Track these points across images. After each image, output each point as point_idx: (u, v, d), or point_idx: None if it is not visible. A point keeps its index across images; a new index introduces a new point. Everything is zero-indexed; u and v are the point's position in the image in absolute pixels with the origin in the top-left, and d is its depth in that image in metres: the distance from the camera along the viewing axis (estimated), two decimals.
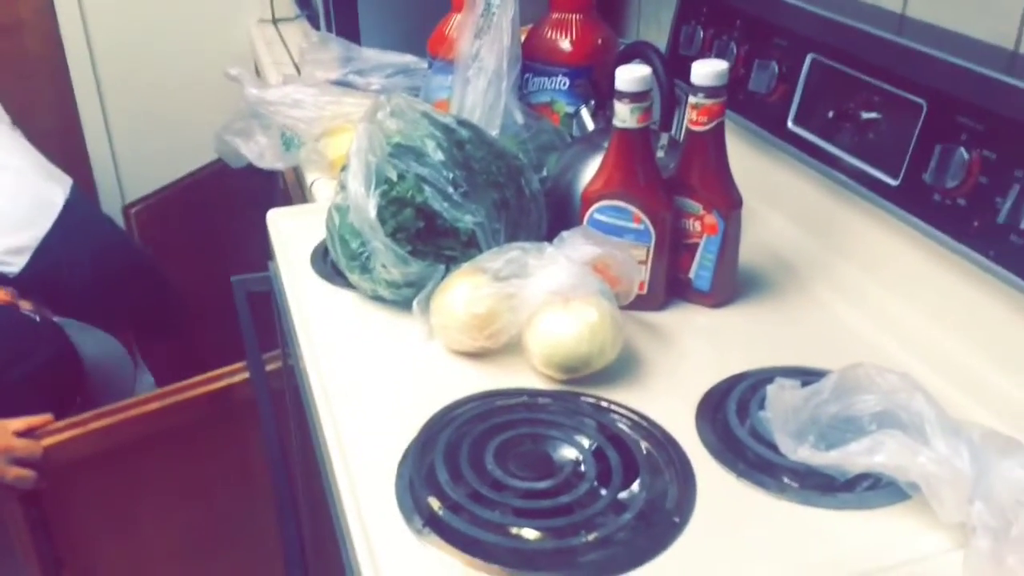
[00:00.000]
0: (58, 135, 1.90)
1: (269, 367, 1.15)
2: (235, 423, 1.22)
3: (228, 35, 2.00)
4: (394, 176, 0.84)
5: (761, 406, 0.70)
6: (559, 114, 1.16)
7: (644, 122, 0.82)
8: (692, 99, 0.81)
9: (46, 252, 1.36)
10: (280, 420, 1.10)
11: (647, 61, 0.90)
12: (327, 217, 0.91)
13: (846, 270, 0.91)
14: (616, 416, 0.73)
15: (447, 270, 0.84)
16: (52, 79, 1.95)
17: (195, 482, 1.27)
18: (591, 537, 0.62)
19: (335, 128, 1.20)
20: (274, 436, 1.00)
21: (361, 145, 0.86)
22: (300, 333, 0.87)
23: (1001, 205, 0.71)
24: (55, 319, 1.33)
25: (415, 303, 0.84)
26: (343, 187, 0.88)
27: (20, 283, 1.33)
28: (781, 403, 0.66)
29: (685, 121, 0.84)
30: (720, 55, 1.06)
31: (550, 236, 0.83)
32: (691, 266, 0.88)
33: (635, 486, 0.66)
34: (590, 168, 0.89)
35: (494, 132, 1.00)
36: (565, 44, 1.15)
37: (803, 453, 0.64)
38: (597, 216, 0.86)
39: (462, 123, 0.89)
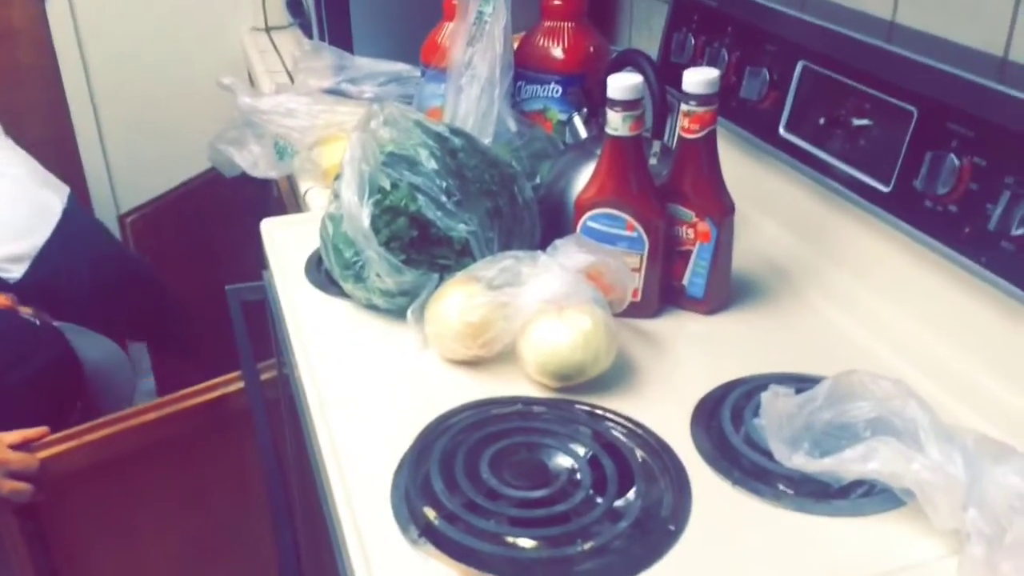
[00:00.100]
0: (51, 144, 1.90)
1: (264, 376, 1.15)
2: (231, 432, 1.22)
3: (221, 44, 2.00)
4: (387, 185, 0.84)
5: (756, 413, 0.71)
6: (552, 121, 1.16)
7: (636, 130, 0.82)
8: (684, 107, 0.82)
9: (45, 260, 1.36)
10: (275, 429, 1.10)
11: (639, 69, 0.90)
12: (321, 226, 0.91)
13: (838, 276, 0.92)
14: (611, 424, 0.74)
15: (441, 279, 0.84)
16: (45, 88, 1.95)
17: (191, 492, 1.26)
18: (587, 546, 0.62)
19: (328, 137, 1.20)
20: (269, 445, 1.00)
21: (354, 154, 0.86)
22: (294, 342, 0.87)
23: (992, 212, 0.72)
24: (55, 324, 1.33)
25: (409, 312, 0.84)
26: (336, 196, 0.88)
27: (19, 289, 1.33)
28: (775, 410, 0.66)
29: (677, 128, 0.84)
30: (711, 62, 1.07)
31: (543, 244, 0.83)
32: (684, 273, 0.88)
33: (631, 494, 0.66)
34: (583, 176, 0.90)
35: (487, 140, 1.01)
36: (557, 52, 1.15)
37: (798, 460, 0.64)
38: (590, 224, 0.86)
39: (455, 131, 0.90)
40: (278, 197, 1.56)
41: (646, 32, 1.37)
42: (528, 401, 0.76)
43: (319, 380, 0.81)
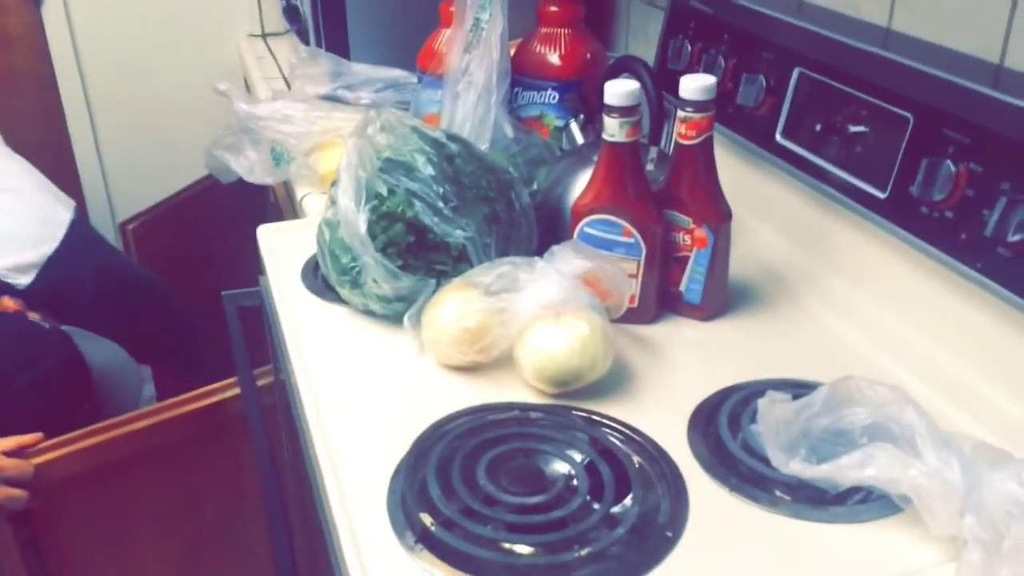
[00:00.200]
0: (47, 150, 1.89)
1: (261, 382, 1.14)
2: (227, 438, 1.22)
3: (218, 50, 2.00)
4: (384, 191, 0.84)
5: (753, 419, 0.71)
6: (549, 128, 1.16)
7: (633, 136, 0.82)
8: (681, 113, 0.82)
9: (51, 270, 1.38)
10: (272, 435, 1.10)
11: (635, 76, 0.91)
12: (317, 232, 0.91)
13: (835, 282, 0.92)
14: (608, 430, 0.73)
15: (438, 284, 0.84)
16: (41, 94, 1.95)
17: (187, 498, 1.26)
18: (584, 552, 0.61)
19: (325, 143, 1.20)
20: (265, 451, 1.00)
21: (351, 160, 0.86)
22: (291, 348, 0.87)
23: (988, 218, 0.72)
24: (62, 328, 1.33)
25: (406, 318, 0.83)
26: (333, 202, 0.88)
27: (26, 296, 1.33)
28: (772, 416, 0.66)
29: (674, 135, 0.84)
30: (708, 69, 1.07)
31: (541, 250, 0.83)
32: (681, 279, 0.88)
33: (628, 500, 0.66)
34: (580, 182, 0.90)
35: (484, 146, 1.01)
36: (554, 58, 1.15)
37: (795, 466, 0.64)
38: (587, 230, 0.86)
39: (452, 137, 0.90)
40: (275, 203, 1.56)
41: (643, 39, 1.37)
42: (525, 407, 0.76)
43: (315, 386, 0.81)
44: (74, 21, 1.90)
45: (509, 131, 1.05)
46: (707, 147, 0.84)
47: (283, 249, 1.02)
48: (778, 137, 0.98)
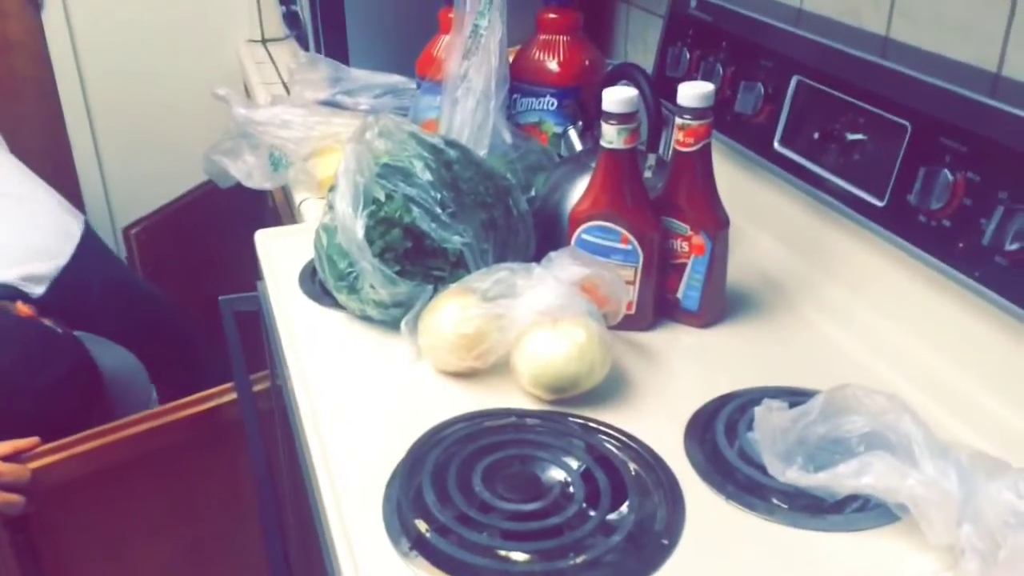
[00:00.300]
0: (47, 155, 1.90)
1: (257, 387, 1.14)
2: (223, 444, 1.21)
3: (217, 55, 2.00)
4: (382, 196, 0.84)
5: (749, 427, 0.71)
6: (547, 134, 1.16)
7: (631, 143, 0.82)
8: (679, 120, 0.82)
9: (63, 282, 1.40)
10: (268, 440, 1.09)
11: (634, 83, 0.91)
12: (315, 237, 0.91)
13: (833, 290, 0.92)
14: (604, 437, 0.73)
15: (435, 290, 0.84)
16: (41, 99, 1.95)
17: (184, 503, 1.26)
18: (580, 559, 0.61)
19: (324, 148, 1.20)
20: (261, 457, 0.99)
21: (349, 165, 0.86)
22: (288, 353, 0.87)
23: (986, 227, 0.72)
24: (75, 333, 1.33)
25: (403, 323, 0.83)
26: (331, 207, 0.88)
27: (39, 306, 1.34)
28: (769, 424, 0.66)
29: (672, 142, 0.84)
30: (706, 76, 1.07)
31: (538, 256, 0.83)
32: (679, 286, 0.88)
33: (624, 508, 0.66)
34: (578, 188, 0.90)
35: (483, 152, 1.01)
36: (553, 65, 1.16)
37: (791, 475, 0.64)
38: (585, 236, 0.86)
39: (450, 143, 0.90)
40: (273, 208, 1.56)
41: (641, 46, 1.37)
42: (522, 413, 0.76)
43: (312, 391, 0.80)
44: (74, 26, 1.90)
45: (508, 137, 1.05)
46: (705, 154, 0.84)
47: (281, 254, 1.02)
48: (776, 145, 0.98)
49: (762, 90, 1.00)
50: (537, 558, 0.62)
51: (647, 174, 0.91)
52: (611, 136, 0.82)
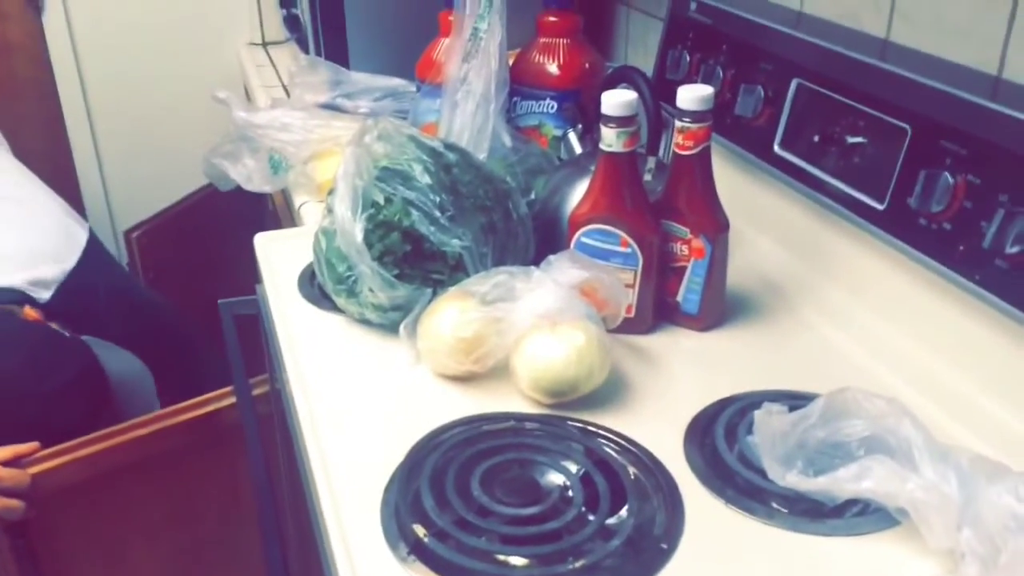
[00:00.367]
0: (47, 158, 1.90)
1: (257, 391, 1.14)
2: (223, 448, 1.21)
3: (218, 58, 2.00)
4: (381, 200, 0.84)
5: (749, 431, 0.70)
6: (547, 137, 1.16)
7: (631, 146, 0.82)
8: (678, 123, 0.82)
9: (69, 287, 1.40)
10: (268, 445, 1.09)
11: (633, 86, 0.91)
12: (314, 241, 0.91)
13: (833, 293, 0.91)
14: (604, 441, 0.73)
15: (434, 294, 0.84)
16: (41, 102, 1.95)
17: (183, 507, 1.25)
18: (578, 564, 0.61)
19: (323, 151, 1.20)
20: (260, 461, 0.99)
21: (348, 169, 0.86)
22: (287, 357, 0.86)
23: (986, 230, 0.71)
24: (82, 337, 1.34)
25: (402, 327, 0.83)
26: (330, 211, 0.88)
27: (45, 311, 1.34)
28: (769, 428, 0.66)
29: (672, 145, 0.84)
30: (706, 79, 1.07)
31: (538, 260, 0.83)
32: (679, 289, 0.88)
33: (623, 512, 0.65)
34: (577, 191, 0.89)
35: (482, 155, 1.01)
36: (553, 68, 1.16)
37: (791, 479, 0.63)
38: (584, 240, 0.86)
39: (449, 146, 0.90)
40: (273, 211, 1.56)
41: (642, 49, 1.37)
42: (520, 417, 0.76)
43: (310, 395, 0.80)
44: (75, 29, 1.90)
45: (507, 140, 1.04)
46: (705, 157, 0.83)
47: (280, 257, 1.02)
48: (776, 148, 0.98)
49: (762, 93, 0.99)
50: (536, 563, 0.62)
51: (647, 177, 0.90)
52: (610, 139, 0.81)
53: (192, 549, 1.27)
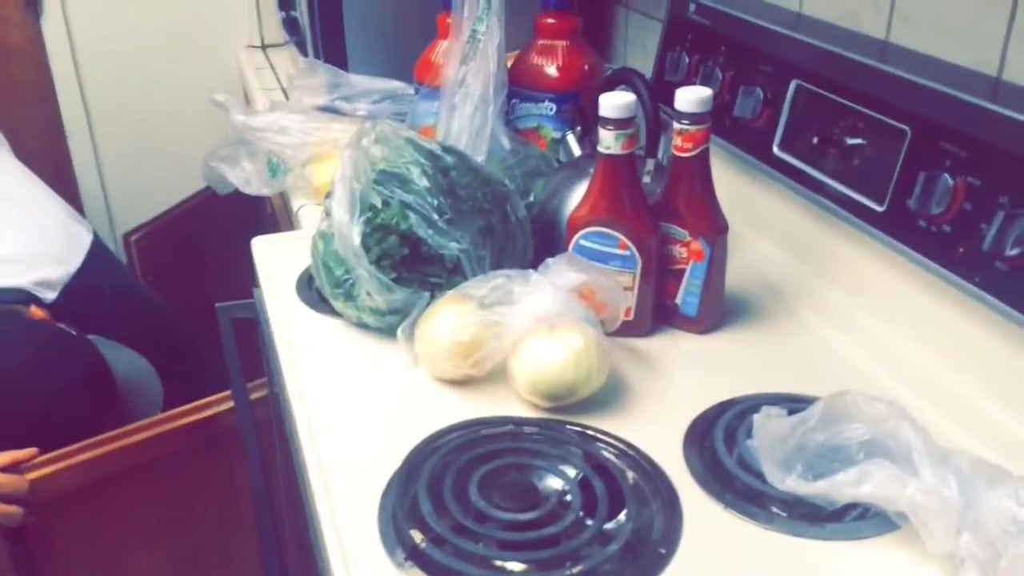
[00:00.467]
0: (46, 161, 1.89)
1: (255, 395, 1.14)
2: (221, 452, 1.21)
3: (217, 61, 2.00)
4: (378, 203, 0.84)
5: (749, 434, 0.70)
6: (546, 139, 1.16)
7: (629, 149, 0.82)
8: (677, 125, 0.81)
9: (74, 289, 1.40)
10: (266, 449, 1.09)
11: (632, 87, 0.90)
12: (312, 244, 0.90)
13: (832, 296, 0.91)
14: (602, 445, 0.73)
15: (432, 297, 0.84)
16: (40, 106, 1.95)
17: (181, 512, 1.25)
18: (577, 569, 0.61)
19: (321, 154, 1.20)
20: (258, 466, 0.99)
21: (345, 172, 0.86)
22: (284, 361, 0.86)
23: (986, 232, 0.71)
24: (88, 336, 1.34)
25: (400, 330, 0.83)
26: (328, 214, 0.87)
27: (51, 310, 1.35)
28: (768, 432, 0.65)
29: (671, 147, 0.84)
30: (705, 81, 1.07)
31: (536, 263, 0.83)
32: (678, 292, 0.87)
33: (621, 516, 0.65)
34: (576, 194, 0.89)
35: (481, 158, 1.00)
36: (551, 70, 1.15)
37: (791, 483, 0.63)
38: (583, 242, 0.86)
39: (447, 149, 0.89)
40: (272, 214, 1.56)
41: (641, 51, 1.37)
42: (519, 421, 0.76)
43: (307, 399, 0.80)
44: (74, 33, 1.90)
45: (506, 143, 1.04)
46: (703, 159, 0.83)
47: (278, 261, 1.02)
48: (775, 149, 0.98)
49: (761, 94, 0.99)
50: (534, 568, 0.61)
51: (646, 179, 0.90)
52: (609, 142, 0.81)
53: (190, 554, 1.26)
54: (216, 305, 1.06)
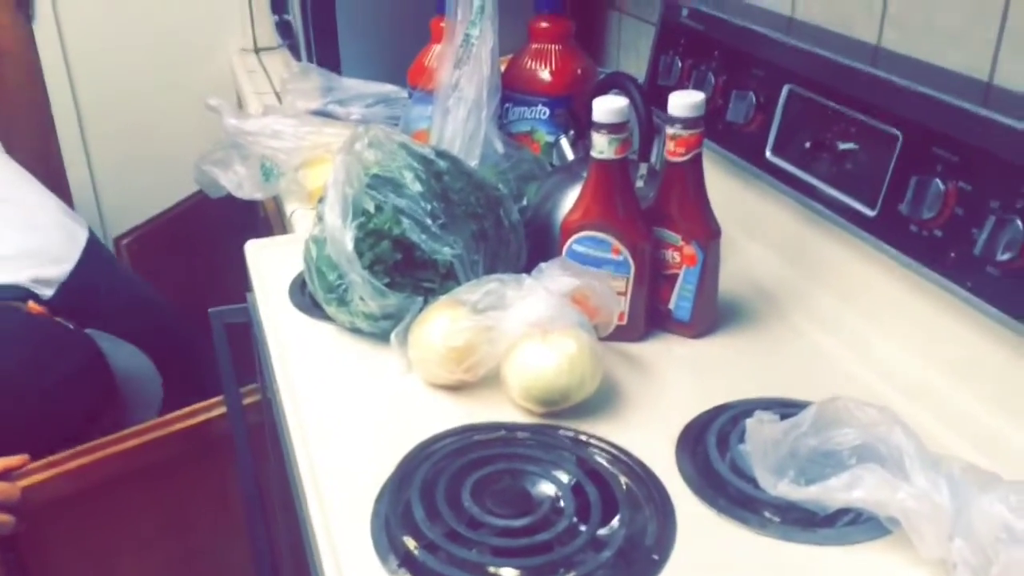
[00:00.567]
0: (38, 165, 1.88)
1: (248, 400, 1.13)
2: (214, 457, 1.20)
3: (210, 64, 1.99)
4: (371, 208, 0.84)
5: (741, 439, 0.70)
6: (539, 143, 1.16)
7: (622, 153, 0.82)
8: (670, 130, 0.82)
9: (71, 286, 1.40)
10: (259, 454, 1.09)
11: (624, 92, 0.90)
12: (304, 249, 0.90)
13: (824, 300, 0.91)
14: (595, 450, 0.73)
15: (425, 302, 0.84)
16: (32, 109, 1.94)
17: (174, 518, 1.25)
18: (570, 575, 0.61)
19: (314, 158, 1.20)
20: (249, 471, 0.99)
21: (338, 177, 0.85)
22: (277, 366, 0.86)
23: (977, 236, 0.71)
24: (87, 331, 1.34)
25: (393, 336, 0.83)
26: (320, 219, 0.87)
27: (49, 306, 1.35)
28: (760, 437, 0.65)
29: (663, 151, 0.84)
30: (698, 85, 1.07)
31: (529, 267, 0.83)
32: (671, 296, 0.87)
33: (614, 522, 0.65)
34: (569, 198, 0.89)
35: (474, 162, 1.00)
36: (545, 74, 1.15)
37: (783, 488, 0.63)
38: (576, 247, 0.86)
39: (440, 154, 0.89)
40: (265, 218, 1.56)
41: (634, 55, 1.37)
42: (512, 427, 0.76)
43: (300, 404, 0.80)
44: (66, 36, 1.89)
45: (499, 147, 1.04)
46: (696, 164, 0.83)
47: (271, 265, 1.02)
48: (768, 154, 0.98)
49: (754, 99, 0.99)
50: (527, 574, 0.61)
51: (639, 184, 0.90)
52: (602, 146, 0.81)
53: (183, 560, 1.26)
54: (209, 310, 1.06)
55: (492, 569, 0.61)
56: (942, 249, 0.75)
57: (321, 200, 0.88)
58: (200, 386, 1.26)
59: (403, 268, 0.84)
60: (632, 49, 1.38)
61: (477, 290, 0.80)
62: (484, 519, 0.65)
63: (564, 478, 0.69)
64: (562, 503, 0.67)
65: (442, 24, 1.06)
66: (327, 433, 0.76)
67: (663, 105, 0.83)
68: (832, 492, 0.61)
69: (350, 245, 0.83)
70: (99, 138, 1.99)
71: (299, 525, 0.75)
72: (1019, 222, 0.68)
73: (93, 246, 1.50)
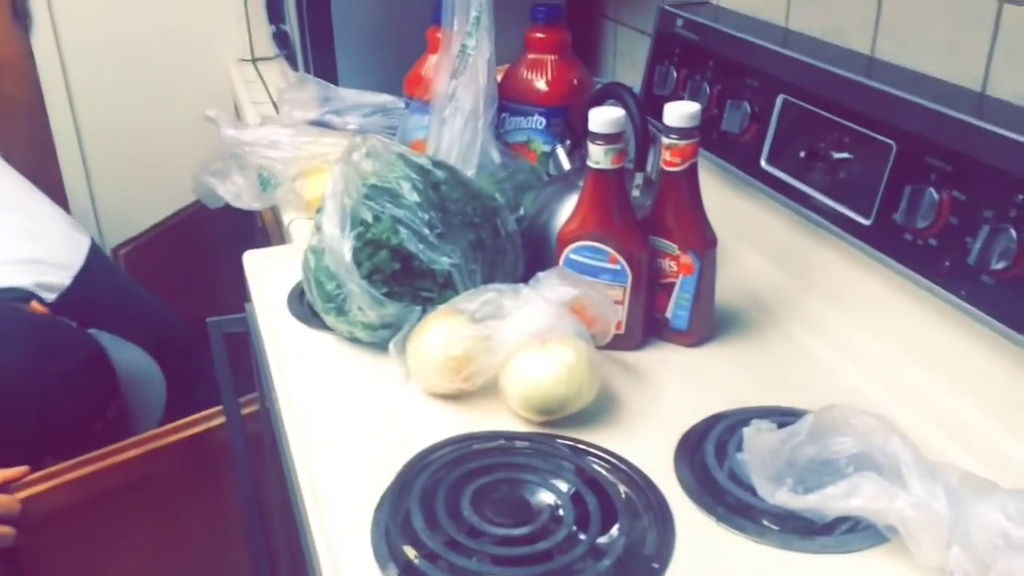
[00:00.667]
0: (36, 176, 1.88)
1: (246, 410, 1.13)
2: (214, 468, 1.20)
3: (208, 75, 2.00)
4: (369, 218, 0.84)
5: (739, 447, 0.70)
6: (536, 153, 1.17)
7: (618, 163, 0.82)
8: (666, 140, 0.82)
9: (74, 293, 1.41)
10: (258, 464, 1.09)
11: (621, 102, 0.91)
12: (303, 259, 0.90)
13: (821, 308, 0.92)
14: (594, 459, 0.73)
15: (423, 312, 0.84)
16: (30, 120, 1.94)
17: (173, 529, 1.24)
18: None
19: (312, 168, 1.20)
20: (248, 481, 0.99)
21: (336, 187, 0.86)
22: (276, 376, 0.86)
23: (971, 246, 0.72)
24: (90, 330, 1.34)
25: (391, 345, 0.83)
26: (319, 229, 0.87)
27: (52, 307, 1.36)
28: (758, 446, 0.66)
29: (659, 161, 0.84)
30: (693, 95, 1.07)
31: (526, 277, 0.83)
32: (668, 305, 0.88)
33: (614, 531, 0.65)
34: (566, 208, 0.90)
35: (471, 172, 1.01)
36: (541, 84, 1.16)
37: (781, 497, 0.63)
38: (573, 257, 0.86)
39: (437, 164, 0.90)
40: (262, 228, 1.56)
41: (630, 65, 1.38)
42: (510, 436, 0.76)
43: (299, 414, 0.80)
44: (63, 47, 1.90)
45: (496, 156, 1.05)
46: (692, 174, 0.84)
47: (269, 275, 1.02)
48: (763, 163, 0.98)
49: (748, 109, 1.00)
50: None
51: (635, 193, 0.91)
52: (598, 156, 0.82)
53: (182, 570, 1.26)
54: (207, 320, 1.06)
55: None
56: (937, 258, 0.76)
57: (319, 210, 0.88)
58: (199, 396, 1.26)
59: (401, 278, 0.84)
60: (628, 59, 1.39)
61: (475, 299, 0.80)
62: (484, 528, 0.65)
63: (563, 487, 0.69)
64: (561, 512, 0.67)
65: (438, 34, 1.07)
66: (326, 443, 0.76)
67: (659, 115, 0.83)
68: (830, 500, 0.61)
69: (348, 255, 0.83)
70: (97, 149, 1.99)
71: (299, 535, 0.75)
72: (1013, 231, 0.69)
73: (95, 255, 1.51)
